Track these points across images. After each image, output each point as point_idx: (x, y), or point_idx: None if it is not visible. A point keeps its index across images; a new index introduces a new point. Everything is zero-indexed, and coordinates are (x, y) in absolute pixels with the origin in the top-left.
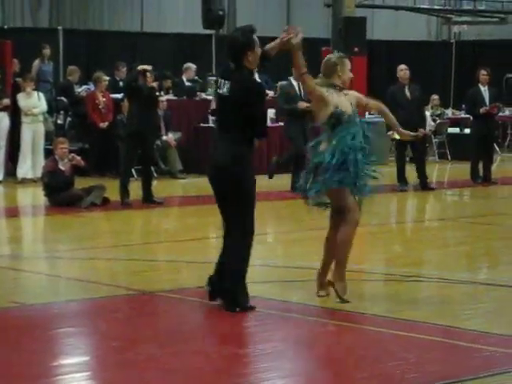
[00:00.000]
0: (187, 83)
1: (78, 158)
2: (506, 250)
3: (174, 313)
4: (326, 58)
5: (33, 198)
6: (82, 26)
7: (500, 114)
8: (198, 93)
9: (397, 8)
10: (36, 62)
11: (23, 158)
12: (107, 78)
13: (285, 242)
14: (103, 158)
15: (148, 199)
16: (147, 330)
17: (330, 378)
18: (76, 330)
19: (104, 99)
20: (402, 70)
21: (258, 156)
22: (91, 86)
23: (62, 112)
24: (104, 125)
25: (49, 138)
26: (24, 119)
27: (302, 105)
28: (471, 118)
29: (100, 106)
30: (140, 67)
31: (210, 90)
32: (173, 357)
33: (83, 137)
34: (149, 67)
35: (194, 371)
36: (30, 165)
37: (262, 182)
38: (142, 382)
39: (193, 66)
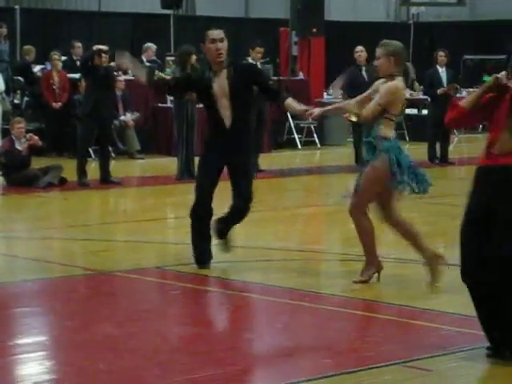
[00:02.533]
0: (146, 63)
1: (36, 137)
2: None
3: (132, 293)
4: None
5: None
6: (39, 5)
7: (457, 95)
8: (156, 72)
9: None
10: None
11: None
12: (60, 57)
13: (245, 222)
14: (59, 138)
15: (105, 179)
16: (104, 310)
17: (287, 356)
18: (32, 309)
19: (58, 79)
20: (358, 52)
21: None
22: (48, 66)
23: (18, 92)
24: (57, 105)
25: (5, 117)
26: None
27: None
28: (429, 99)
29: (54, 86)
30: (95, 47)
31: (168, 70)
32: (130, 337)
33: (40, 116)
34: (104, 47)
35: (151, 351)
36: None
37: None
38: (98, 362)
39: (153, 46)
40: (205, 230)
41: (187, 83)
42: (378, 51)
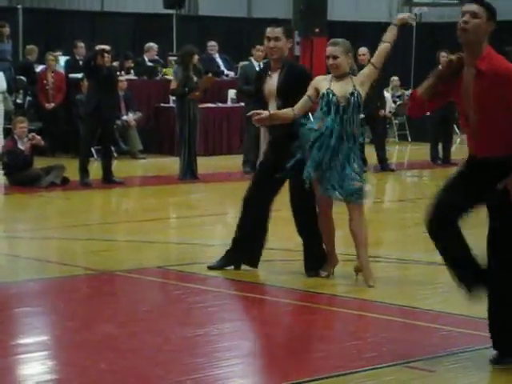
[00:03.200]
0: (149, 63)
1: (38, 137)
2: (464, 231)
3: (133, 293)
4: None
5: None
6: (42, 5)
7: None
8: (159, 69)
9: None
10: None
11: None
12: (56, 58)
13: None
14: (57, 139)
15: (108, 179)
16: (105, 310)
17: (288, 357)
18: (34, 309)
19: (53, 80)
20: (361, 55)
21: (219, 136)
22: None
23: (21, 91)
24: (50, 106)
25: (8, 117)
26: None
27: None
28: None
29: (47, 87)
30: (98, 47)
31: (170, 69)
32: (131, 337)
33: (42, 116)
34: (107, 47)
35: (152, 351)
36: None
37: (221, 163)
38: (99, 362)
39: (155, 46)
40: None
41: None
42: (335, 50)
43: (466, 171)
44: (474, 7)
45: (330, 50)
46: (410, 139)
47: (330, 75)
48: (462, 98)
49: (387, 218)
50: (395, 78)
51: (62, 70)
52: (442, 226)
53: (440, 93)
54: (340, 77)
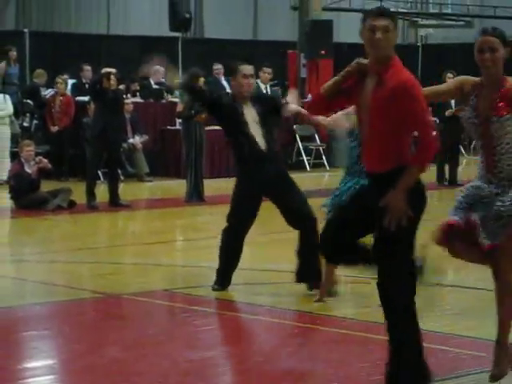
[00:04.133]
0: (155, 86)
1: (45, 160)
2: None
3: (140, 316)
4: None
5: None
6: (48, 29)
7: None
8: (165, 95)
9: (363, 11)
10: (2, 65)
11: None
12: (65, 81)
13: (249, 245)
14: (63, 162)
15: (114, 202)
16: (112, 333)
17: (296, 381)
18: (41, 333)
19: (60, 103)
20: None
21: (226, 158)
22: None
23: (28, 115)
24: (54, 129)
25: (15, 140)
26: None
27: None
28: (437, 120)
29: (53, 110)
30: (104, 70)
31: (176, 92)
32: (138, 360)
33: (49, 139)
34: (113, 70)
35: (159, 375)
36: None
37: (228, 185)
38: None
39: (161, 69)
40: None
41: (220, 103)
42: None
43: (364, 188)
44: (383, 21)
45: None
46: None
47: None
48: (360, 107)
49: None
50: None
51: (68, 94)
52: (337, 252)
53: (342, 92)
54: None
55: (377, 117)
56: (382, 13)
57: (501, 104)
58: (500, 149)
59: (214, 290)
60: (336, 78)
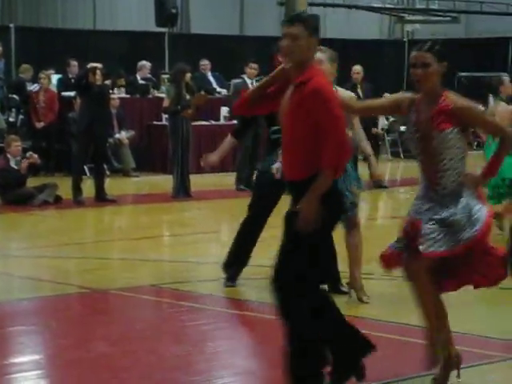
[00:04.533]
0: (141, 81)
1: (36, 156)
2: None
3: (127, 311)
4: None
5: None
6: (34, 24)
7: None
8: (152, 90)
9: (350, 6)
10: None
11: None
12: (48, 77)
13: None
14: (49, 157)
15: (101, 197)
16: (99, 328)
17: (283, 375)
18: (27, 328)
19: (44, 98)
20: (355, 74)
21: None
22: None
23: (13, 109)
24: (40, 124)
25: (0, 135)
26: None
27: None
28: None
29: (37, 106)
30: (90, 65)
31: (163, 87)
32: (125, 355)
33: (34, 135)
34: (98, 65)
35: (146, 369)
36: None
37: (214, 180)
38: (93, 381)
39: (147, 64)
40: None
41: None
42: (321, 56)
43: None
44: (292, 29)
45: (317, 55)
46: (402, 156)
47: None
48: (282, 113)
49: (380, 234)
50: (387, 95)
51: (54, 89)
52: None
53: (267, 97)
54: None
55: (292, 123)
56: (291, 20)
57: (440, 119)
58: (443, 165)
59: (226, 286)
60: (261, 82)
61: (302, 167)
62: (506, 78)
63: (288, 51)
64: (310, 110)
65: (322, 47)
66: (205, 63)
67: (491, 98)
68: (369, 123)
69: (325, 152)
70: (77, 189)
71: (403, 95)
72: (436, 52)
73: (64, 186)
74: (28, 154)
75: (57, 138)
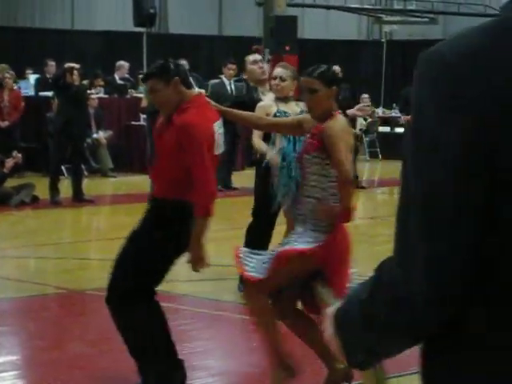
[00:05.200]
0: (119, 81)
1: (19, 155)
2: None
3: (104, 311)
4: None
5: None
6: (11, 23)
7: None
8: (129, 91)
9: (328, 7)
10: None
11: None
12: (12, 76)
13: (214, 240)
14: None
15: (78, 197)
16: (76, 329)
17: (260, 375)
18: (4, 328)
19: (8, 98)
20: None
21: None
22: (21, 84)
23: None
24: (4, 124)
25: None
26: None
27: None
28: (402, 117)
29: (2, 105)
30: (67, 65)
31: (140, 87)
32: (102, 356)
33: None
34: (76, 65)
35: (123, 370)
36: None
37: None
38: (70, 381)
39: (125, 64)
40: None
41: None
42: (285, 72)
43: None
44: (149, 83)
45: (279, 71)
46: (380, 157)
47: (272, 98)
48: (155, 139)
49: (358, 234)
50: (365, 96)
51: (32, 88)
52: None
53: None
54: (283, 99)
55: (162, 151)
56: (144, 76)
57: (310, 141)
58: (304, 190)
59: (241, 291)
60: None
61: (163, 188)
62: None
63: (154, 101)
64: (178, 144)
65: (282, 63)
66: (183, 63)
67: None
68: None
69: (194, 195)
70: (54, 189)
71: (308, 116)
72: (323, 77)
73: (41, 186)
74: (14, 154)
75: (25, 137)
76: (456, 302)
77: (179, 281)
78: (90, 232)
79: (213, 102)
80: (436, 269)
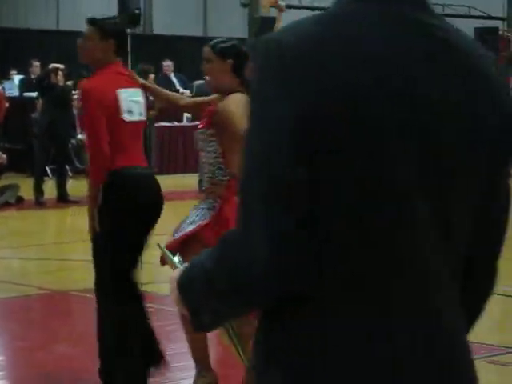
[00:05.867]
0: None
1: (4, 156)
2: None
3: (87, 312)
4: None
5: None
6: None
7: None
8: None
9: (312, 8)
10: None
11: None
12: None
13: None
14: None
15: (63, 198)
16: (60, 330)
17: (242, 375)
18: None
19: None
20: None
21: (175, 155)
22: (5, 85)
23: None
24: None
25: None
26: None
27: None
28: None
29: None
30: (52, 65)
31: None
32: (85, 356)
33: None
34: (60, 65)
35: None
36: None
37: (177, 181)
38: (53, 382)
39: None
40: None
41: None
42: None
43: None
44: (87, 30)
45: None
46: None
47: None
48: None
49: None
50: None
51: (16, 89)
52: None
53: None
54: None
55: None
56: (87, 21)
57: (205, 117)
58: (202, 163)
59: None
60: None
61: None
62: None
63: (79, 51)
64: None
65: None
66: (168, 64)
67: None
68: None
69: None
70: (38, 190)
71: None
72: (218, 49)
73: (26, 187)
74: None
75: (9, 138)
76: (295, 273)
77: (163, 282)
78: (74, 233)
79: (140, 79)
80: (275, 238)
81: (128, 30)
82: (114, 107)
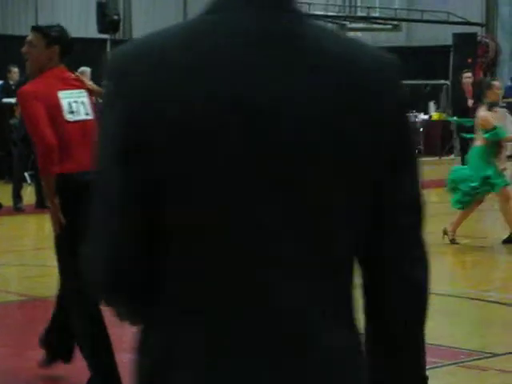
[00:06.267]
0: None
1: None
2: None
3: None
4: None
5: None
6: None
7: None
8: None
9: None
10: None
11: None
12: None
13: None
14: None
15: (42, 204)
16: (38, 337)
17: None
18: None
19: None
20: None
21: None
22: None
23: None
24: None
25: None
26: None
27: None
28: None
29: None
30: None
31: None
32: (64, 364)
33: None
34: None
35: (86, 378)
36: None
37: None
38: None
39: (87, 70)
40: None
41: None
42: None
43: None
44: (30, 36)
45: None
46: None
47: None
48: None
49: None
50: None
51: None
52: None
53: None
54: None
55: None
56: (32, 29)
57: None
58: None
59: None
60: None
61: None
62: (495, 82)
63: (25, 57)
64: None
65: None
66: None
67: (432, 106)
68: None
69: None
70: (17, 196)
71: None
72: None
73: (4, 193)
74: None
75: None
76: (129, 282)
77: None
78: (53, 239)
79: (90, 82)
80: (108, 251)
81: (107, 36)
82: (56, 108)
